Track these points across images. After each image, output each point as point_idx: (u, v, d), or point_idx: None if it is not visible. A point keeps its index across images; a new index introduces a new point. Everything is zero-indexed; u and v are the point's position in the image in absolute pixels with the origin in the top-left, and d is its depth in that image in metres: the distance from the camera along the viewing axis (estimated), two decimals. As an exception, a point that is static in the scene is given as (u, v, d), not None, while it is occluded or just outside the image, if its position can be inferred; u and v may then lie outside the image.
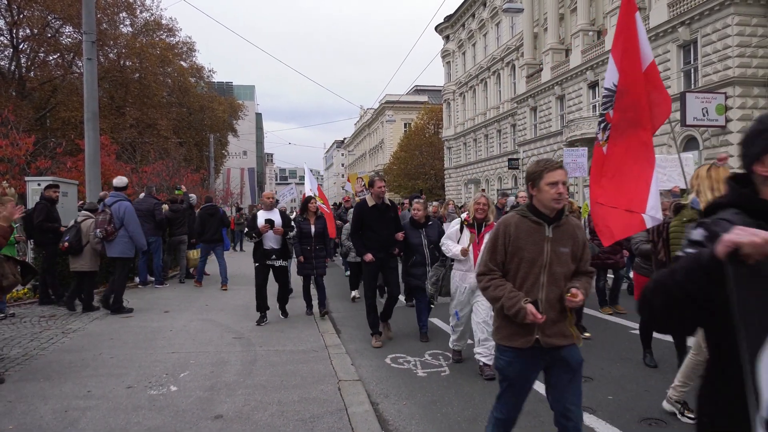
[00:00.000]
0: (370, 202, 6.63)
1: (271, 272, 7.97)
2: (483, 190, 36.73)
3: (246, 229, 7.80)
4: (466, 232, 5.54)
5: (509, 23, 39.28)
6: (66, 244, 8.32)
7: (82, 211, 9.18)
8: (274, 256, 7.77)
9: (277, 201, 13.67)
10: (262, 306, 7.78)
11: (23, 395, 4.63)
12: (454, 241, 5.61)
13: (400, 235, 6.69)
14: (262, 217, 7.73)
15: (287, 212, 24.80)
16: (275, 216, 7.80)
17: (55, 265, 8.84)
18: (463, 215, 5.76)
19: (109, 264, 9.18)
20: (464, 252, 5.42)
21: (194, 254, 12.46)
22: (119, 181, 9.41)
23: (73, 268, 8.53)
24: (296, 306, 8.76)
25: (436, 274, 6.02)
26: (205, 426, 4.02)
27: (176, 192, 14.82)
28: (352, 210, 14.51)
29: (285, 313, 8.26)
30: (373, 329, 6.80)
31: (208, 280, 12.14)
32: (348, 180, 21.97)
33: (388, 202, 6.79)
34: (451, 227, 5.76)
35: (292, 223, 8.09)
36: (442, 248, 5.77)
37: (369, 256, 6.53)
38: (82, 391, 4.74)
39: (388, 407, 4.62)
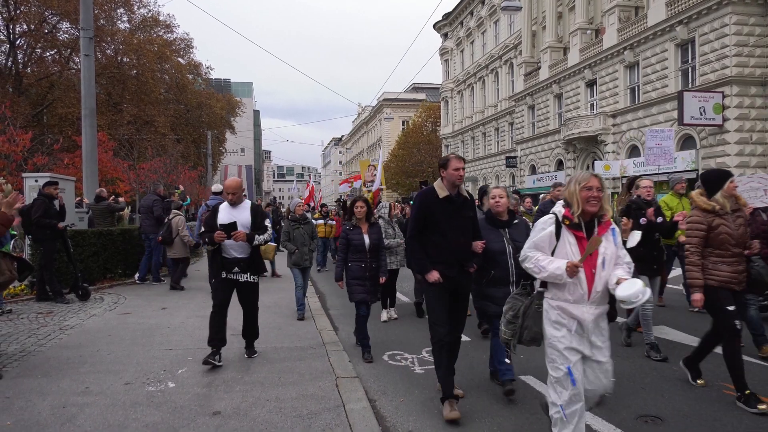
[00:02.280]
0: (441, 192, 4.42)
1: (234, 291, 5.77)
2: (588, 167, 27.91)
3: (201, 230, 5.68)
4: (568, 236, 3.41)
5: (507, 21, 39.29)
6: (159, 237, 10.77)
7: (172, 210, 11.27)
8: (237, 269, 5.50)
9: (270, 197, 13.51)
10: (214, 338, 5.55)
11: (21, 391, 4.64)
12: (546, 251, 3.45)
13: (479, 245, 4.51)
14: (224, 214, 5.51)
15: (281, 209, 24.25)
16: (240, 215, 5.52)
17: (52, 261, 8.84)
18: (559, 208, 3.51)
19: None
20: (572, 270, 3.24)
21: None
22: (216, 187, 11.74)
23: (169, 255, 11.00)
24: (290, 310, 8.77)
25: (513, 307, 3.78)
26: (203, 422, 4.03)
27: (175, 192, 14.93)
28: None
29: (252, 351, 5.92)
30: (445, 391, 4.35)
31: (204, 277, 12.12)
32: (357, 178, 18.68)
33: (467, 194, 4.60)
34: (538, 229, 3.53)
35: (267, 223, 5.70)
36: (526, 264, 3.51)
37: (435, 275, 4.31)
38: (80, 388, 4.75)
39: (385, 404, 4.64)
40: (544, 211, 7.45)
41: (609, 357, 3.40)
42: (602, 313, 3.38)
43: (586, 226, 3.39)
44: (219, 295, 5.64)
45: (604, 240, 3.32)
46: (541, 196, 12.74)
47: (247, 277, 5.60)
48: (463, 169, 4.47)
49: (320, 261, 15.21)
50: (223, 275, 5.53)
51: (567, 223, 3.40)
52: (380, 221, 7.56)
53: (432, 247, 4.43)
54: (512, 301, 3.83)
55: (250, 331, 5.97)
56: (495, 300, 4.65)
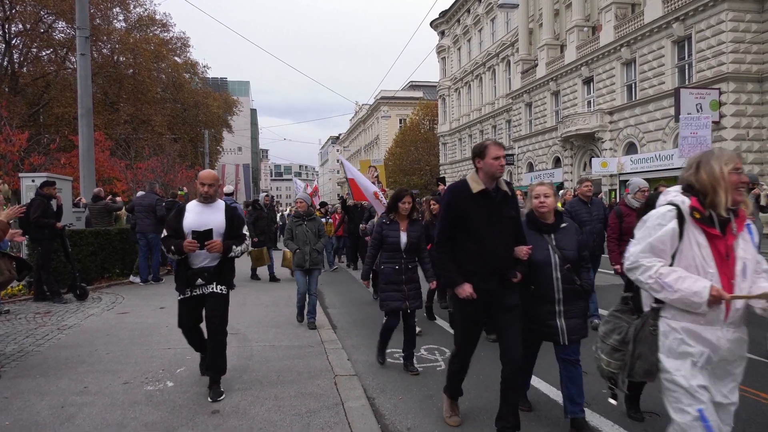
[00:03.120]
0: (476, 186, 3.64)
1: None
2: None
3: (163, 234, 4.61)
4: (696, 235, 2.57)
5: (504, 19, 39.30)
6: None
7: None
8: (200, 280, 4.45)
9: (231, 195, 12.97)
10: (199, 349, 4.94)
11: (19, 391, 4.63)
12: (667, 256, 2.60)
13: (524, 250, 3.70)
14: (193, 215, 4.46)
15: (280, 209, 23.90)
16: (213, 217, 4.47)
17: (50, 261, 8.82)
18: (679, 197, 2.63)
19: None
20: (716, 300, 2.47)
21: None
22: (228, 188, 12.92)
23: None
24: (285, 309, 8.76)
25: (617, 328, 2.99)
26: (202, 421, 4.03)
27: (179, 193, 15.10)
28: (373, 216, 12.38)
29: (217, 392, 4.49)
30: (451, 393, 4.17)
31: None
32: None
33: (506, 189, 3.76)
34: (653, 225, 2.62)
35: (245, 231, 4.69)
36: (639, 277, 2.64)
37: (467, 289, 3.60)
38: (78, 387, 4.74)
39: (384, 402, 4.65)
40: (571, 211, 7.14)
41: (737, 396, 2.64)
42: (740, 338, 2.62)
43: (721, 223, 2.53)
44: (184, 316, 4.61)
45: (741, 240, 2.58)
46: (561, 192, 12.33)
47: (213, 288, 4.49)
48: (504, 158, 3.69)
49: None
50: (187, 294, 4.50)
51: (697, 216, 2.52)
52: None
53: (464, 254, 3.67)
54: (614, 321, 3.01)
55: (214, 363, 4.55)
56: (539, 320, 3.88)
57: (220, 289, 4.53)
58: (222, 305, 4.57)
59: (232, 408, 4.28)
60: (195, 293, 4.49)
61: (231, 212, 4.60)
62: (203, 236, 4.32)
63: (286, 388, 4.75)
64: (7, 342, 6.27)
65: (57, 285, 8.95)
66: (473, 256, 3.66)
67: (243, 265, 13.11)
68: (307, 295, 7.25)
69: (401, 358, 5.93)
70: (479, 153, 3.69)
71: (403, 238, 5.45)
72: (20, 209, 5.59)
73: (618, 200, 20.85)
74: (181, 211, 4.53)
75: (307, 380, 4.97)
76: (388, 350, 6.26)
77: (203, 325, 4.62)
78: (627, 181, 6.59)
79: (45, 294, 8.86)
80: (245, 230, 4.69)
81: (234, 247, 4.50)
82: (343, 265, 15.53)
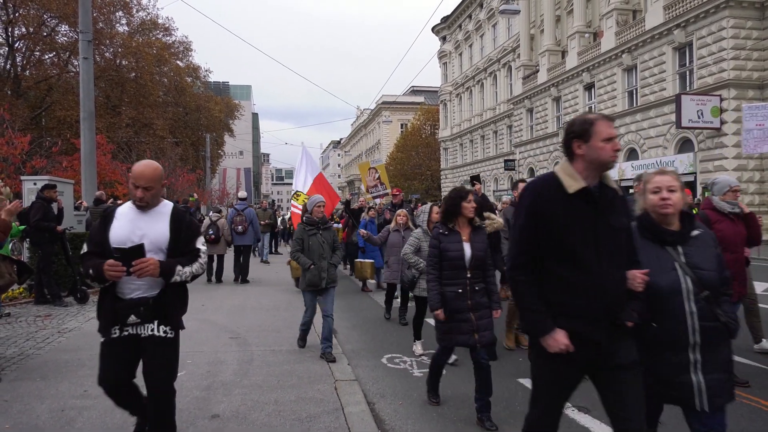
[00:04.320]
0: (572, 183, 2.55)
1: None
2: None
3: (83, 250, 3.30)
4: None
5: (506, 24, 39.40)
6: (212, 236, 11.67)
7: (212, 213, 12.53)
8: (133, 317, 3.16)
9: (245, 200, 12.99)
10: (135, 413, 3.64)
11: (19, 395, 4.63)
12: None
13: (638, 278, 2.57)
14: (123, 224, 3.19)
15: (277, 215, 24.11)
16: (152, 227, 3.21)
17: (50, 265, 8.83)
18: None
19: (237, 251, 12.34)
20: None
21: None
22: (242, 194, 13.63)
23: (209, 253, 11.50)
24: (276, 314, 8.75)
25: None
26: (202, 425, 4.03)
27: (190, 199, 15.43)
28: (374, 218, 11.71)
29: None
30: None
31: (202, 279, 12.14)
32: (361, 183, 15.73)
33: (613, 185, 2.70)
34: None
35: (201, 245, 3.33)
36: None
37: (560, 340, 2.50)
38: (78, 391, 4.74)
39: (384, 407, 4.64)
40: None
41: None
42: None
43: None
44: (108, 368, 3.32)
45: None
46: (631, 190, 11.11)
47: (153, 329, 3.18)
48: (617, 139, 2.62)
49: None
50: (114, 333, 3.22)
51: None
52: (418, 231, 6.20)
53: (556, 286, 2.54)
54: None
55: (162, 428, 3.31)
56: (661, 376, 2.67)
57: (164, 332, 3.18)
58: (168, 355, 3.24)
59: (232, 412, 4.28)
60: (126, 333, 3.18)
61: (179, 219, 3.25)
62: (130, 255, 3.02)
63: (286, 392, 4.75)
64: (8, 345, 6.27)
65: (58, 288, 8.95)
66: (571, 288, 2.50)
67: (277, 272, 13.20)
68: (322, 318, 6.07)
69: (402, 363, 5.93)
70: (581, 133, 2.54)
71: (468, 251, 4.30)
72: (19, 203, 5.55)
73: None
74: (107, 218, 3.20)
75: (307, 385, 4.97)
76: (389, 355, 6.26)
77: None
78: (708, 182, 5.68)
79: (46, 297, 8.86)
80: (200, 243, 3.32)
81: (179, 268, 3.14)
82: (345, 272, 15.06)
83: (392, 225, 8.41)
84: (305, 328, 6.37)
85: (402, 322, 7.93)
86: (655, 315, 2.66)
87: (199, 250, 3.30)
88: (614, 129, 2.58)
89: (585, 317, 2.50)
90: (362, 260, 10.32)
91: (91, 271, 3.10)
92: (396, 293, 8.50)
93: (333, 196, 8.88)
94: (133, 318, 3.16)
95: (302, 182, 10.40)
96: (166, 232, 3.20)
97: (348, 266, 15.96)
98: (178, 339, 3.31)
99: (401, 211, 8.53)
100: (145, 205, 3.20)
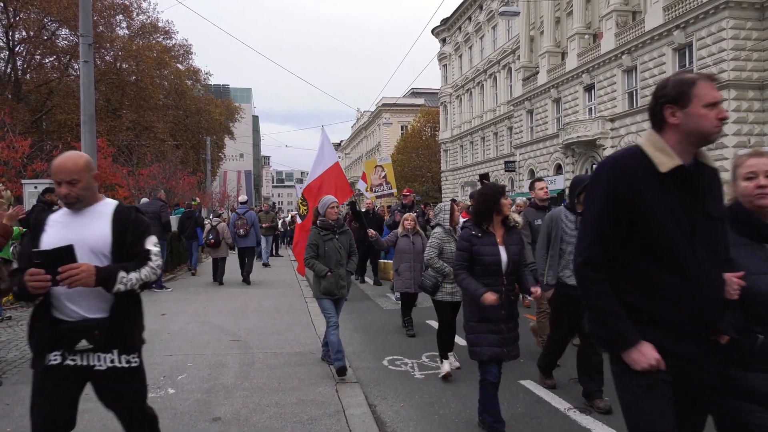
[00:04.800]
0: (665, 160, 2.03)
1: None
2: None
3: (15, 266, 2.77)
4: None
5: (506, 26, 39.43)
6: (212, 240, 12.24)
7: (213, 218, 13.32)
8: (84, 342, 2.47)
9: (246, 204, 13.01)
10: None
11: (21, 398, 4.62)
12: None
13: (734, 283, 2.09)
14: (56, 231, 2.59)
15: (278, 216, 24.07)
16: (86, 229, 2.60)
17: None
18: None
19: (240, 253, 12.74)
20: None
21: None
22: (243, 198, 14.11)
23: (212, 256, 12.69)
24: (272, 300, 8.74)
25: None
26: (204, 428, 4.03)
27: (192, 203, 15.76)
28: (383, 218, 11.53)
29: None
30: None
31: (204, 282, 12.16)
32: (362, 178, 15.19)
33: (712, 163, 2.17)
34: None
35: (152, 245, 2.67)
36: None
37: (648, 354, 1.98)
38: (79, 394, 4.74)
39: (385, 409, 4.64)
40: None
41: None
42: None
43: None
44: (41, 407, 2.53)
45: None
46: None
47: (113, 360, 2.55)
48: (720, 106, 2.07)
49: None
50: (53, 359, 2.51)
51: None
52: (438, 231, 5.63)
53: (639, 287, 2.06)
54: None
55: None
56: (761, 395, 2.16)
57: (127, 361, 2.55)
58: (136, 388, 2.67)
59: (234, 415, 4.27)
60: (70, 362, 2.50)
61: (123, 218, 2.65)
62: (56, 259, 2.38)
63: (287, 395, 4.75)
64: (9, 348, 6.27)
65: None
66: (658, 290, 2.02)
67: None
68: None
69: (403, 365, 5.92)
70: (677, 96, 2.03)
71: (503, 255, 3.92)
72: (21, 208, 5.56)
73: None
74: (37, 227, 2.63)
75: (308, 387, 4.97)
76: (390, 357, 6.25)
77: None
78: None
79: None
80: (151, 244, 2.67)
81: (123, 274, 2.47)
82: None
83: (399, 229, 7.59)
84: (337, 348, 5.32)
85: (409, 334, 7.34)
86: (756, 322, 2.18)
87: (149, 252, 2.64)
88: (718, 92, 2.08)
89: (676, 328, 1.99)
90: (386, 260, 9.69)
91: (15, 288, 2.49)
92: (395, 297, 8.08)
93: (346, 190, 8.20)
94: (84, 343, 2.47)
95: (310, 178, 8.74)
96: (107, 233, 2.58)
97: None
98: (142, 363, 2.68)
99: (408, 216, 7.81)
100: (75, 202, 2.59)
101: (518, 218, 5.93)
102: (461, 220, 5.93)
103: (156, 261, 2.67)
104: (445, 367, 5.47)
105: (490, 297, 3.76)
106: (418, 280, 6.57)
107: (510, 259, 3.92)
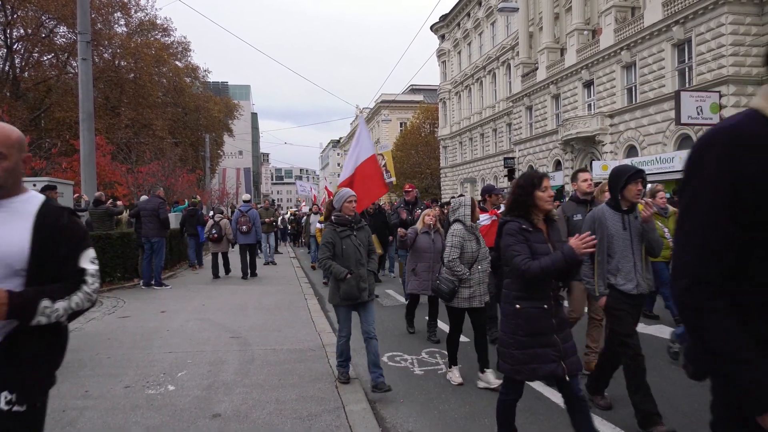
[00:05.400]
0: None
1: None
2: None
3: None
4: None
5: (505, 22, 39.37)
6: (215, 235, 12.85)
7: (215, 214, 13.67)
8: None
9: (249, 202, 13.35)
10: None
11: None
12: None
13: None
14: None
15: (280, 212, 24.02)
16: (2, 234, 1.88)
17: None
18: None
19: (242, 249, 13.13)
20: None
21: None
22: (246, 196, 14.56)
23: (213, 251, 13.26)
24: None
25: None
26: (204, 425, 4.04)
27: (193, 200, 16.34)
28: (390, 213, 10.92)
29: None
30: None
31: (203, 279, 12.16)
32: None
33: None
34: None
35: (88, 263, 2.00)
36: None
37: None
38: (79, 391, 4.74)
39: (385, 405, 4.64)
40: None
41: None
42: None
43: None
44: None
45: None
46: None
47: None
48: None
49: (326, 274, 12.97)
50: None
51: None
52: (458, 228, 5.07)
53: None
54: None
55: None
56: None
57: (8, 401, 1.88)
58: None
59: (234, 412, 4.28)
60: None
61: (49, 221, 1.98)
62: None
63: (287, 391, 4.75)
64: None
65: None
66: None
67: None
68: (365, 341, 4.98)
69: (402, 361, 5.92)
70: None
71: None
72: None
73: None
74: None
75: (308, 384, 4.97)
76: (390, 353, 6.26)
77: None
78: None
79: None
80: (88, 261, 2.04)
81: (46, 303, 1.87)
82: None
83: (419, 226, 7.06)
84: (344, 357, 5.02)
85: (433, 339, 6.85)
86: None
87: (84, 271, 2.01)
88: None
89: None
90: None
91: None
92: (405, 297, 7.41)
93: (379, 185, 7.52)
94: None
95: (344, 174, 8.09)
96: (25, 241, 1.90)
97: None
98: (35, 415, 2.00)
99: (429, 211, 7.28)
100: None
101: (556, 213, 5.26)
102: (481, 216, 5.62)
103: (93, 284, 2.03)
104: (457, 375, 5.18)
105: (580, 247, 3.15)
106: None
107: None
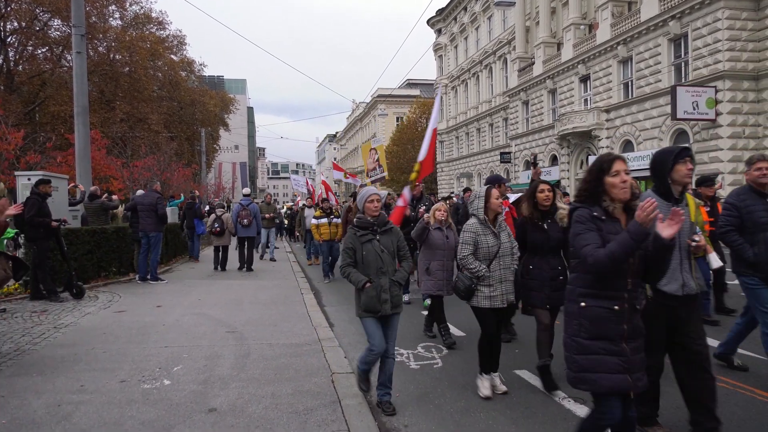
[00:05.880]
0: None
1: None
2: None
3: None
4: None
5: (501, 17, 39.29)
6: (217, 229, 13.08)
7: (217, 209, 13.90)
8: None
9: (249, 197, 13.63)
10: None
11: (16, 390, 4.62)
12: None
13: None
14: None
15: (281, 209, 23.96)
16: None
17: (46, 260, 8.80)
18: None
19: (240, 242, 13.51)
20: None
21: None
22: (246, 190, 14.69)
23: (216, 244, 13.44)
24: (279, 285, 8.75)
25: None
26: (199, 419, 4.04)
27: (192, 194, 16.89)
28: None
29: None
30: None
31: (199, 273, 12.14)
32: (335, 168, 16.30)
33: None
34: None
35: None
36: None
37: None
38: (75, 386, 4.74)
39: (381, 399, 4.65)
40: (739, 206, 4.80)
41: None
42: None
43: None
44: None
45: None
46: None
47: None
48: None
49: (326, 272, 12.05)
50: None
51: None
52: (472, 223, 4.72)
53: None
54: None
55: None
56: None
57: None
58: None
59: (229, 406, 4.28)
60: None
61: None
62: None
63: (283, 385, 4.76)
64: (4, 341, 6.26)
65: (53, 284, 8.93)
66: None
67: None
68: (383, 360, 4.41)
69: (398, 355, 5.92)
70: None
71: None
72: (19, 207, 5.54)
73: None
74: None
75: (304, 378, 4.98)
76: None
77: None
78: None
79: (41, 293, 8.84)
80: None
81: None
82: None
83: (430, 221, 6.61)
84: (366, 367, 4.47)
85: (447, 343, 6.27)
86: None
87: None
88: None
89: None
90: None
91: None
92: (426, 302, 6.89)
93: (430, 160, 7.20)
94: None
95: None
96: None
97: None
98: None
99: (440, 205, 6.81)
100: None
101: (564, 207, 4.81)
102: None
103: None
104: (486, 386, 4.63)
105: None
106: (451, 281, 5.75)
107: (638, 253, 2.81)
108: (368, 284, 4.26)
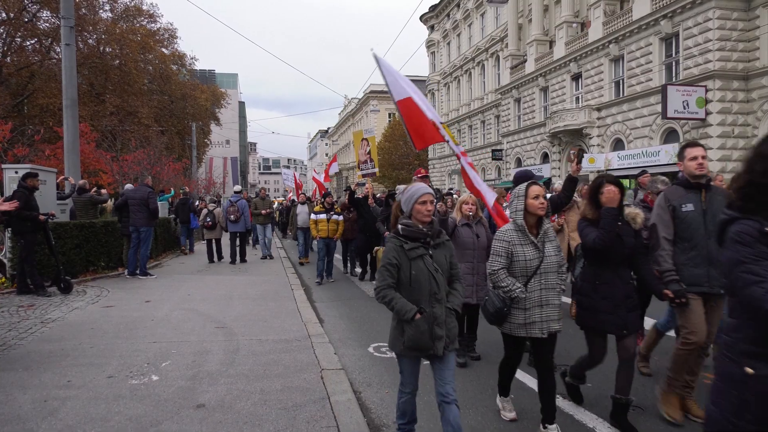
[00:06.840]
0: None
1: None
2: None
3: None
4: None
5: (494, 14, 39.31)
6: (209, 222, 14.02)
7: (210, 203, 14.91)
8: None
9: (240, 193, 14.35)
10: None
11: (1, 385, 4.58)
12: None
13: None
14: None
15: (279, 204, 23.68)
16: None
17: (33, 254, 8.71)
18: None
19: (232, 236, 14.10)
20: None
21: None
22: (237, 187, 15.23)
23: (207, 237, 14.32)
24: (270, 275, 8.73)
25: None
26: (187, 415, 4.02)
27: (180, 191, 17.50)
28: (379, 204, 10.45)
29: None
30: None
31: (189, 269, 12.07)
32: (334, 161, 17.09)
33: None
34: None
35: None
36: None
37: None
38: (61, 381, 4.70)
39: (370, 396, 4.65)
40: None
41: None
42: None
43: None
44: None
45: None
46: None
47: None
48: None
49: (320, 270, 11.10)
50: None
51: None
52: (508, 229, 3.78)
53: None
54: None
55: None
56: None
57: None
58: None
59: (218, 402, 4.26)
60: None
61: None
62: None
63: (272, 381, 4.74)
64: (-10, 335, 6.19)
65: (40, 278, 8.84)
66: None
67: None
68: (439, 404, 3.32)
69: (388, 352, 5.93)
70: None
71: None
72: (14, 204, 5.45)
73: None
74: None
75: (293, 374, 4.96)
76: (376, 344, 6.27)
77: None
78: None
79: (28, 287, 8.76)
80: None
81: None
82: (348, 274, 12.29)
83: (457, 216, 5.64)
84: (407, 419, 3.51)
85: (473, 357, 5.65)
86: None
87: None
88: None
89: None
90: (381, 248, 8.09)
91: None
92: None
93: (432, 135, 6.05)
94: None
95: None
96: None
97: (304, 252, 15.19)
98: None
99: (468, 197, 5.70)
100: None
101: (636, 211, 3.96)
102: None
103: None
104: (509, 407, 4.18)
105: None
106: (482, 286, 5.10)
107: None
108: (418, 315, 3.18)
